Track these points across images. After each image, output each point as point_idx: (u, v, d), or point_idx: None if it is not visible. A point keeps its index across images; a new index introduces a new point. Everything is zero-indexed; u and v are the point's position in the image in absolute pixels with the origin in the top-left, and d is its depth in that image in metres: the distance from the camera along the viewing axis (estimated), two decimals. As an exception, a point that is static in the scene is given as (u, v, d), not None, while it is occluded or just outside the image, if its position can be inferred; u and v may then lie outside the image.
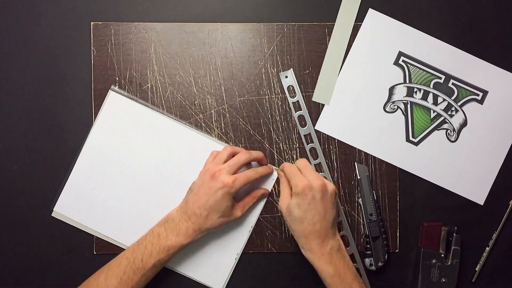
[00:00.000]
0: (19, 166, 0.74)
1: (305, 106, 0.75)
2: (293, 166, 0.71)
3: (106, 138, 0.74)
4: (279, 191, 0.75)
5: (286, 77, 0.75)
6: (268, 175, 0.75)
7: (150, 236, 0.69)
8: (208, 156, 0.73)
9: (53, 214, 0.74)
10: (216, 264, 0.75)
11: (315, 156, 0.76)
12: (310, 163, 0.75)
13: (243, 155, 0.70)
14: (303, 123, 0.76)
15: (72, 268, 0.75)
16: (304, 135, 0.75)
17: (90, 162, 0.74)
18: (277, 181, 0.76)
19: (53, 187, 0.74)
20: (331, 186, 0.68)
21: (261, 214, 0.75)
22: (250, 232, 0.75)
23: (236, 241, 0.75)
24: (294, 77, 0.75)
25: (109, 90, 0.74)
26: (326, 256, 0.67)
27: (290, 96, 0.75)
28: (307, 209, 0.66)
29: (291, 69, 0.75)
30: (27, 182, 0.74)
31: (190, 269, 0.75)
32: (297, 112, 0.76)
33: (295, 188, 0.67)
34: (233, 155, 0.71)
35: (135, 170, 0.74)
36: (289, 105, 0.75)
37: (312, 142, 0.76)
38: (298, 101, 0.75)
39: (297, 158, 0.76)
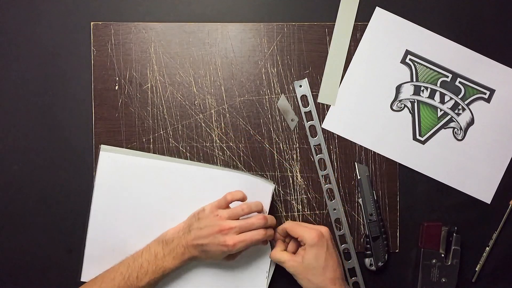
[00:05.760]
0: (19, 166, 0.74)
1: (316, 116, 0.75)
2: (292, 222, 0.72)
3: (109, 198, 0.73)
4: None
5: (300, 86, 0.75)
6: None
7: (147, 254, 0.68)
8: (219, 193, 0.71)
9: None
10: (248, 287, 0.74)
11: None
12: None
13: (258, 221, 0.68)
14: (313, 134, 0.75)
15: (72, 268, 0.75)
16: (312, 142, 0.76)
17: (101, 225, 0.73)
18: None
19: (53, 187, 0.74)
20: (327, 229, 0.70)
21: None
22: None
23: (262, 258, 0.74)
24: (309, 87, 0.75)
25: (100, 151, 0.73)
26: None
27: (303, 106, 0.75)
28: (326, 257, 0.67)
29: (306, 78, 0.75)
30: (26, 182, 0.74)
31: None
32: (309, 122, 0.75)
33: (308, 240, 0.67)
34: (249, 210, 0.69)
35: (147, 220, 0.73)
36: (301, 115, 0.75)
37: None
38: (310, 111, 0.75)
39: (297, 158, 0.76)
